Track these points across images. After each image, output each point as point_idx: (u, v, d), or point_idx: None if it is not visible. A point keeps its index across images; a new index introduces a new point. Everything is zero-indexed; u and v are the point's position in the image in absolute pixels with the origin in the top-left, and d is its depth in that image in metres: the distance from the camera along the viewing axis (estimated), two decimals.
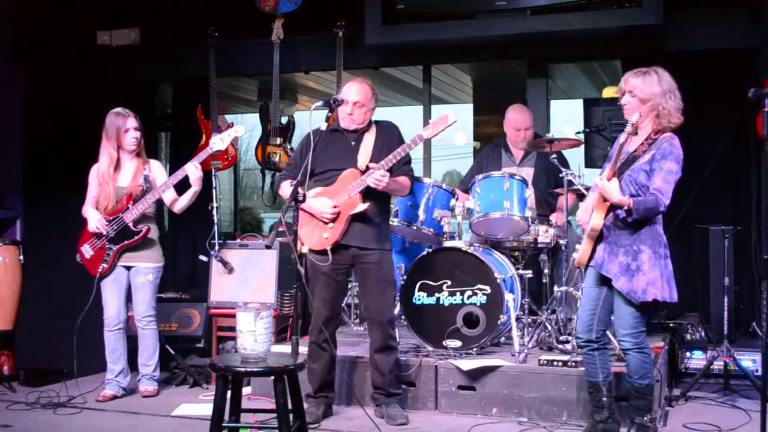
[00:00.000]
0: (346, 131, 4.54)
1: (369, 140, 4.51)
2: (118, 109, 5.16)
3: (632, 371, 3.90)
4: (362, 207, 4.39)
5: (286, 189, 4.48)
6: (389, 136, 4.54)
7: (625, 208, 3.73)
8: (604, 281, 3.91)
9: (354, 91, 4.47)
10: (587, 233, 3.88)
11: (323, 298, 4.48)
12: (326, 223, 4.44)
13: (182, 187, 5.14)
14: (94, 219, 5.09)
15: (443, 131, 4.38)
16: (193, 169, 5.02)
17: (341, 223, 4.42)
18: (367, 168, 4.38)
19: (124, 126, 5.10)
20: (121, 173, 5.14)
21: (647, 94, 3.80)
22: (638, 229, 3.80)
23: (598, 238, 3.88)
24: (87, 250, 5.15)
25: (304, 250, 4.44)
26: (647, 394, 3.93)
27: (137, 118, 5.19)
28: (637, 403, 3.95)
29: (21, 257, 5.74)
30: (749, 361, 5.11)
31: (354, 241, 4.44)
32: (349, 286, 5.74)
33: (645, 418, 3.93)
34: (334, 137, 4.55)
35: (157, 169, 5.23)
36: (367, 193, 4.41)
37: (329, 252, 4.40)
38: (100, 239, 5.09)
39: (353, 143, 4.51)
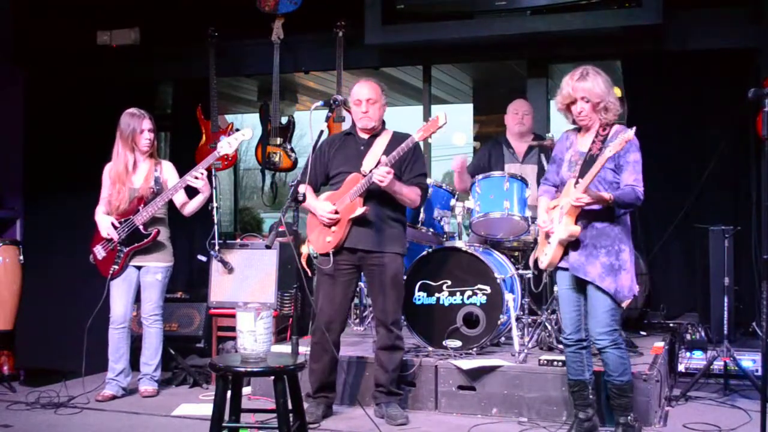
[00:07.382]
0: (358, 135, 4.58)
1: (379, 145, 4.51)
2: (133, 110, 5.14)
3: (611, 369, 3.89)
4: (360, 211, 4.40)
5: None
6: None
7: (609, 201, 3.71)
8: (580, 283, 3.92)
9: (365, 89, 4.53)
10: (560, 239, 3.86)
11: (326, 298, 4.50)
12: (329, 227, 4.46)
13: (192, 188, 5.13)
14: (105, 225, 5.08)
15: (434, 133, 4.38)
16: (194, 181, 4.99)
17: (342, 228, 4.44)
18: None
19: (139, 127, 5.09)
20: (135, 174, 5.14)
21: (599, 95, 3.81)
22: (616, 229, 3.84)
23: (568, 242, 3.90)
24: (99, 251, 5.15)
25: (307, 250, 4.45)
26: (628, 391, 3.91)
27: (152, 119, 5.18)
28: (619, 402, 3.92)
29: (21, 257, 5.74)
30: (749, 361, 5.10)
31: (359, 245, 4.46)
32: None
33: (629, 417, 3.92)
34: (347, 141, 4.62)
35: (168, 171, 5.22)
36: (370, 197, 4.43)
37: (330, 255, 4.43)
38: (112, 241, 5.09)
39: (362, 147, 4.54)
